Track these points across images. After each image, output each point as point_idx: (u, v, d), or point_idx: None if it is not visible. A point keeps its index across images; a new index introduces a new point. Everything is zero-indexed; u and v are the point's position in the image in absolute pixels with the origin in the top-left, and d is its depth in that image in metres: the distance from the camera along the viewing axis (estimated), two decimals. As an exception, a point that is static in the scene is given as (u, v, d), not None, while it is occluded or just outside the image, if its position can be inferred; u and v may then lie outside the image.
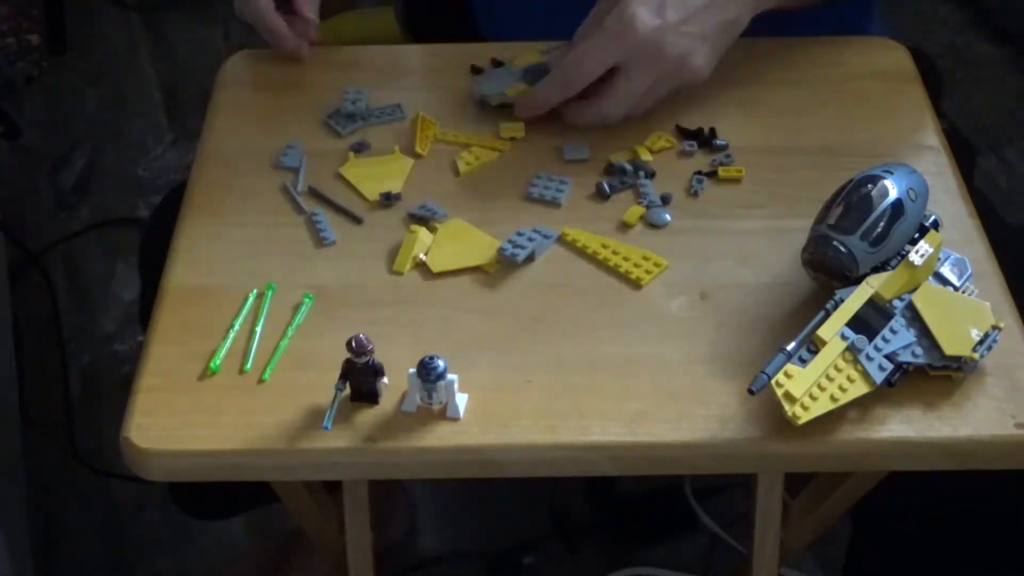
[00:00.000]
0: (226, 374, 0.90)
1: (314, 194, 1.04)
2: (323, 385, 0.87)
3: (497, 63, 1.15)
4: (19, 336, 1.81)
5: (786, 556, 1.11)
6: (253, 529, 1.63)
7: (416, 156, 1.07)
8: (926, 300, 0.89)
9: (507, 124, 1.09)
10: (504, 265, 0.97)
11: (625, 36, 1.03)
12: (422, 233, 0.99)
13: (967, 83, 2.23)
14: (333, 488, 1.08)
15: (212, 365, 0.90)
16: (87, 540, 1.68)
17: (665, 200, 1.03)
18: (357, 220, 1.02)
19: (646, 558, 1.55)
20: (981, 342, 0.88)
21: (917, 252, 0.90)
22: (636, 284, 0.96)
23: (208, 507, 1.49)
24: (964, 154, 1.10)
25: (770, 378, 0.84)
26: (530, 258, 0.98)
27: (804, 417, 0.83)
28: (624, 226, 1.01)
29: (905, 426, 0.86)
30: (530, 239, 0.98)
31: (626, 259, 0.97)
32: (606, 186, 1.04)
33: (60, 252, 2.06)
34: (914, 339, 0.88)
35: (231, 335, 0.92)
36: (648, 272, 0.97)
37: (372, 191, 1.03)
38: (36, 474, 1.68)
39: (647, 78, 1.05)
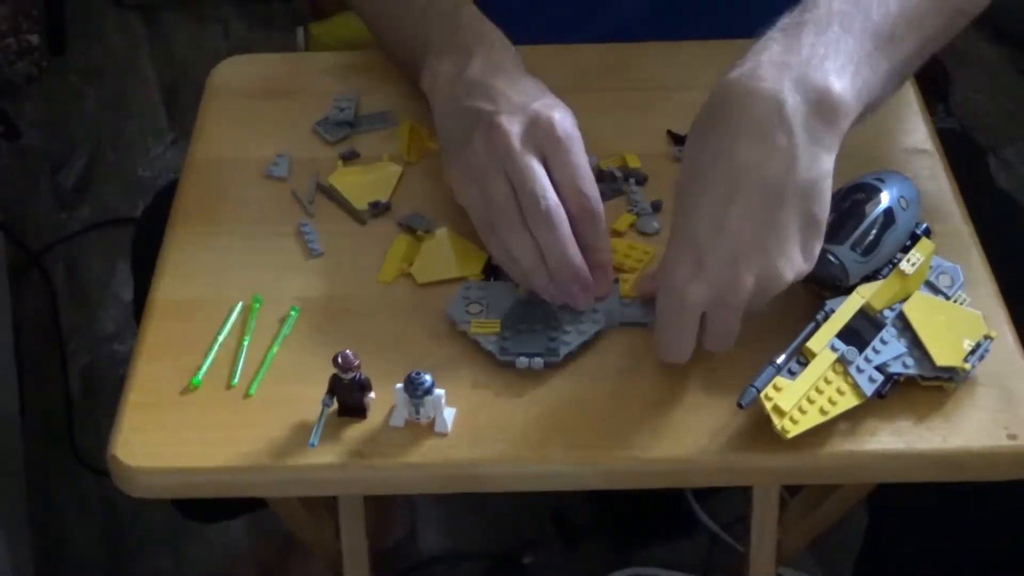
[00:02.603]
0: (213, 389, 0.89)
1: (321, 191, 1.04)
2: (310, 399, 0.87)
3: (489, 271, 0.96)
4: (19, 336, 1.81)
5: (785, 556, 1.11)
6: (253, 529, 1.63)
7: (406, 164, 1.07)
8: (917, 310, 0.89)
9: None
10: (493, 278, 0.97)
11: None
12: (408, 242, 0.99)
13: (967, 83, 2.22)
14: (327, 496, 1.08)
15: (194, 381, 0.89)
16: (87, 540, 1.68)
17: (656, 207, 1.02)
18: (361, 221, 1.01)
19: (646, 558, 1.55)
20: (973, 352, 0.87)
21: (908, 261, 0.90)
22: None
23: (207, 511, 1.49)
24: (973, 152, 1.08)
25: (759, 391, 0.84)
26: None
27: (793, 431, 0.83)
28: (615, 233, 1.00)
29: (896, 438, 0.86)
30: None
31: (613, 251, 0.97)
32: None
33: (60, 252, 2.06)
34: (905, 350, 0.87)
35: (214, 350, 0.91)
36: (639, 261, 0.97)
37: (361, 200, 1.03)
38: (36, 474, 1.69)
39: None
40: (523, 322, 0.91)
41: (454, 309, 0.92)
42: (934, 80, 1.12)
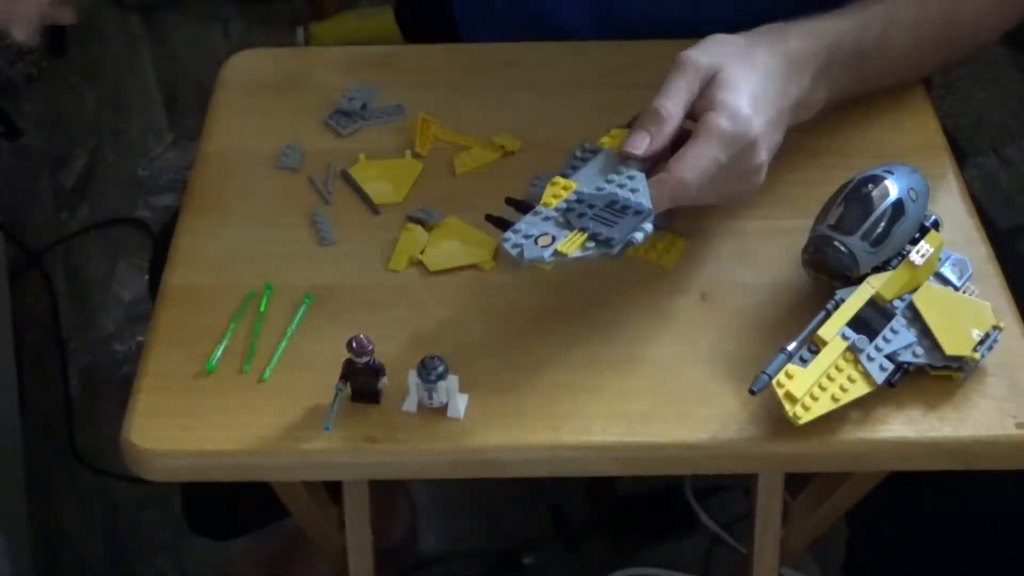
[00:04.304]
0: (226, 374, 0.90)
1: (345, 179, 1.05)
2: (323, 385, 0.87)
3: (519, 204, 0.94)
4: (19, 336, 1.80)
5: (786, 556, 1.11)
6: (253, 529, 1.63)
7: (416, 156, 1.07)
8: (927, 300, 0.89)
9: (505, 137, 1.09)
10: (503, 264, 0.97)
11: (740, 140, 0.93)
12: (418, 231, 0.99)
13: (967, 83, 2.23)
14: (333, 488, 1.08)
15: (208, 366, 0.90)
16: (87, 540, 1.68)
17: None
18: (375, 211, 1.02)
19: (646, 558, 1.55)
20: (982, 342, 0.88)
21: (918, 252, 0.90)
22: (662, 268, 0.97)
23: (218, 527, 1.49)
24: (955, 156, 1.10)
25: (771, 378, 0.84)
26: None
27: (805, 417, 0.83)
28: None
29: (906, 426, 0.86)
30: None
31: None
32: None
33: (60, 252, 2.06)
34: (915, 339, 0.88)
35: (227, 336, 0.92)
36: (667, 252, 0.97)
37: (380, 193, 1.03)
38: (36, 474, 1.68)
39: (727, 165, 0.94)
40: (591, 218, 0.89)
41: (532, 253, 0.87)
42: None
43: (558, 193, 0.91)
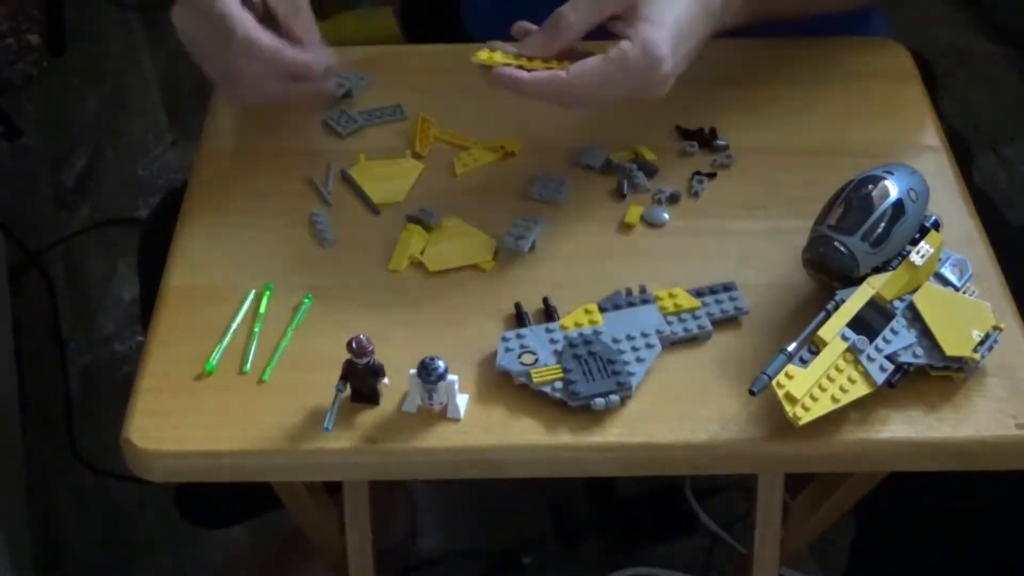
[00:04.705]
0: (226, 375, 0.90)
1: (345, 179, 1.05)
2: (323, 386, 0.87)
3: (520, 315, 0.94)
4: (19, 336, 1.81)
5: (786, 556, 1.11)
6: (253, 530, 1.63)
7: (416, 156, 1.07)
8: (927, 301, 0.89)
9: (505, 137, 1.09)
10: (503, 264, 0.97)
11: (647, 74, 0.95)
12: (418, 231, 0.99)
13: (967, 83, 2.23)
14: (333, 488, 1.09)
15: (208, 366, 0.90)
16: (87, 540, 1.68)
17: (674, 199, 1.02)
18: (375, 212, 1.02)
19: (646, 558, 1.55)
20: (982, 343, 0.88)
21: (918, 252, 0.90)
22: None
23: (211, 515, 1.49)
24: (962, 154, 1.10)
25: (771, 379, 0.84)
26: (532, 247, 0.98)
27: (805, 418, 0.83)
28: (625, 227, 1.01)
29: (906, 427, 0.86)
30: (527, 228, 0.98)
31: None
32: (624, 184, 1.04)
33: (60, 252, 2.06)
34: (915, 340, 0.88)
35: (227, 337, 0.92)
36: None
37: (379, 193, 1.03)
38: (36, 474, 1.68)
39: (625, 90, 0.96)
40: (581, 362, 0.89)
41: (508, 362, 0.89)
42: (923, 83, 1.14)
43: (580, 320, 0.91)
